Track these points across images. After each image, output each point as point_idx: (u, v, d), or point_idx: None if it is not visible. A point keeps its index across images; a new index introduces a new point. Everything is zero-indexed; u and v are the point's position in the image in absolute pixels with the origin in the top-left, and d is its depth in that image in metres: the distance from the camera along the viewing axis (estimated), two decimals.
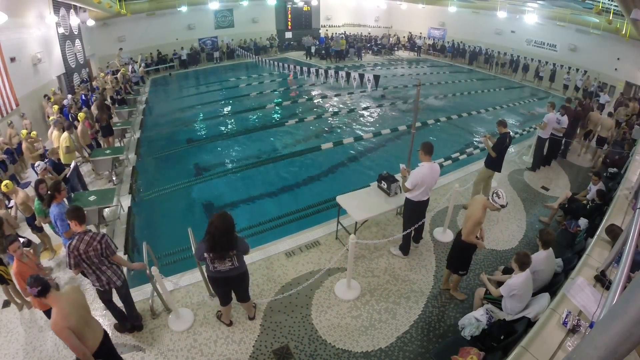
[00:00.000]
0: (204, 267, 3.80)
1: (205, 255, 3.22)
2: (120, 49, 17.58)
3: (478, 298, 3.97)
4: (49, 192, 4.45)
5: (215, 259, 3.22)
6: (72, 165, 6.34)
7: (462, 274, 4.24)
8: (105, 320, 4.11)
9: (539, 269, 3.72)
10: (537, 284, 3.71)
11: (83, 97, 10.65)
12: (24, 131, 7.16)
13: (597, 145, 8.48)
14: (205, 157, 9.16)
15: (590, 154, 8.91)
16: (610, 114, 8.76)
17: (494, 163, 5.91)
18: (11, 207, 5.55)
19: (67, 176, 6.16)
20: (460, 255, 4.10)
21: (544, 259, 3.75)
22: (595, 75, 15.71)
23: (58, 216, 4.22)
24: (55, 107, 9.22)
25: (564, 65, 17.17)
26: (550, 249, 3.80)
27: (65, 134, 6.77)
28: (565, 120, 7.53)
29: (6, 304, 4.36)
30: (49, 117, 8.98)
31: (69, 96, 10.74)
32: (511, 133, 5.82)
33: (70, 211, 3.33)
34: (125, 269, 3.90)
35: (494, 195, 3.71)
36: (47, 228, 5.32)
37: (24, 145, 7.27)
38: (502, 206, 3.70)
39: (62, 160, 6.59)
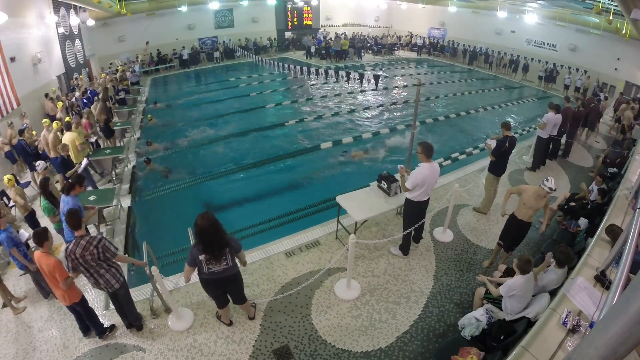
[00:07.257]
0: None
1: (200, 257, 3.19)
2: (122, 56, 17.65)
3: (478, 298, 3.97)
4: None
5: (211, 260, 3.21)
6: (83, 163, 6.34)
7: (499, 242, 4.79)
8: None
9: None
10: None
11: (84, 100, 10.60)
12: (47, 120, 7.08)
13: (620, 132, 10.05)
14: (205, 157, 9.15)
15: (614, 131, 10.69)
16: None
17: (495, 167, 5.84)
18: (12, 207, 5.56)
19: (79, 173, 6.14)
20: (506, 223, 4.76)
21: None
22: (595, 75, 15.71)
23: (73, 207, 4.19)
24: (60, 104, 9.20)
25: (564, 65, 17.17)
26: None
27: (72, 134, 6.71)
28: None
29: (5, 304, 4.36)
30: (55, 115, 8.93)
31: (76, 93, 10.72)
32: (514, 135, 5.78)
33: (66, 217, 3.33)
34: (125, 271, 3.89)
35: (545, 179, 4.31)
36: (49, 228, 5.31)
37: (51, 137, 7.00)
38: (550, 189, 4.26)
39: (74, 159, 6.60)
